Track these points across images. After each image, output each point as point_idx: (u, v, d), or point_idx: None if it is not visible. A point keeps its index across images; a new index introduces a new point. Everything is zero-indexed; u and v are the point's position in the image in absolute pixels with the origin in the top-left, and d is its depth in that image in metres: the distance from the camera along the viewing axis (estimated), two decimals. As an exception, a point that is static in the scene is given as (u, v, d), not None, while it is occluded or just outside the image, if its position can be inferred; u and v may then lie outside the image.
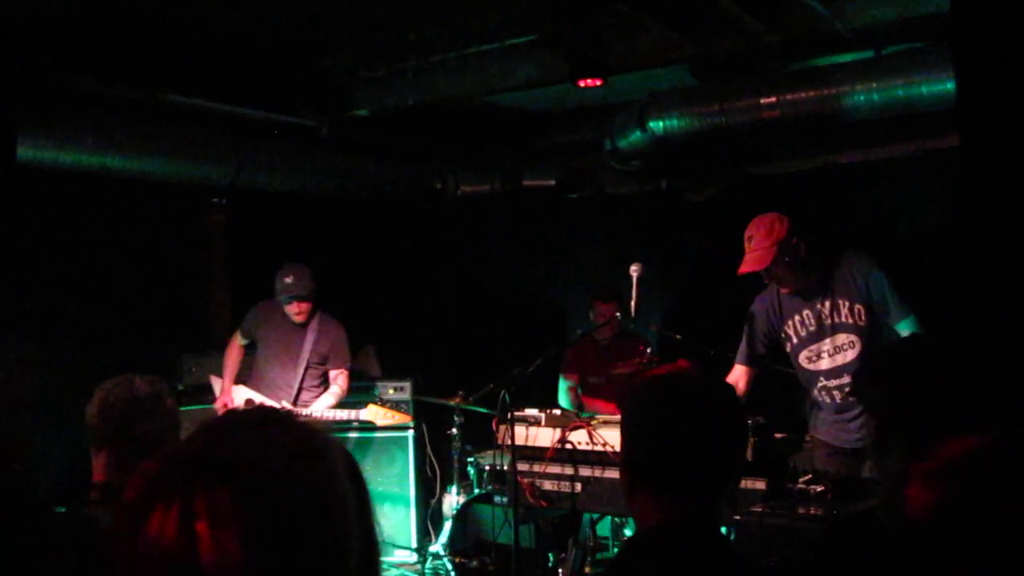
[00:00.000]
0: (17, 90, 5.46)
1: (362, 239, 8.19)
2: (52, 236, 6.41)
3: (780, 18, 5.48)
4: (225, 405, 6.11)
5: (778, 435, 3.82)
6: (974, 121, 3.87)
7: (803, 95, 6.10)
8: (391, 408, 6.23)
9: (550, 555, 5.13)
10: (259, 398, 6.10)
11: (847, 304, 4.44)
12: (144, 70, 5.81)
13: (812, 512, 3.30)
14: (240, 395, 6.18)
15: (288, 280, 6.02)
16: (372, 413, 6.10)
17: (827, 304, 4.46)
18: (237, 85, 6.25)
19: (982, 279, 3.91)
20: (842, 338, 4.47)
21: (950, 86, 5.48)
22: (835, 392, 4.47)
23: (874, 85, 5.87)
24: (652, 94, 6.62)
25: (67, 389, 6.27)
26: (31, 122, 5.58)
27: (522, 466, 4.17)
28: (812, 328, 4.51)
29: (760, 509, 3.35)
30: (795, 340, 4.56)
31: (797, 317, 4.54)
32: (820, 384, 4.51)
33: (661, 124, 6.67)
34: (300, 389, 6.18)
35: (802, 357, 4.54)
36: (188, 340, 6.94)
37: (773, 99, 6.17)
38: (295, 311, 6.06)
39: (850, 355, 4.45)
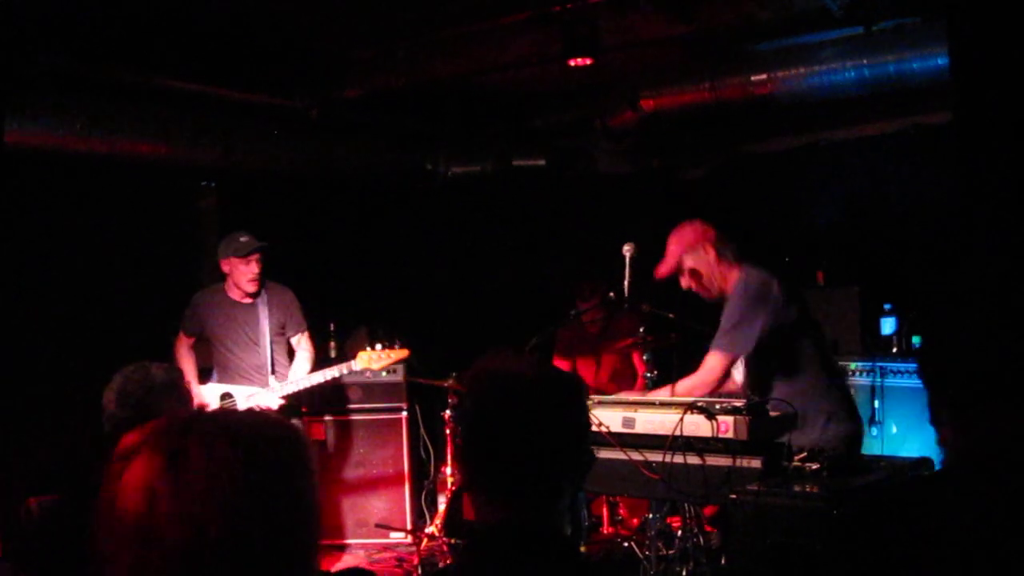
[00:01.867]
0: (4, 73, 5.41)
1: (353, 221, 8.16)
2: (40, 220, 6.38)
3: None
4: (202, 408, 5.87)
5: (773, 413, 3.82)
6: (968, 96, 3.88)
7: (794, 72, 6.09)
8: (383, 349, 5.80)
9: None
10: (235, 389, 5.86)
11: None
12: (133, 52, 5.76)
13: (808, 490, 3.30)
14: (213, 392, 5.92)
15: (244, 238, 5.75)
16: (364, 360, 5.77)
17: None
18: (226, 67, 6.21)
19: (975, 254, 3.92)
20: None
21: (941, 62, 5.47)
22: None
23: (865, 61, 5.86)
24: (643, 72, 6.60)
25: (57, 374, 6.28)
26: (18, 105, 5.54)
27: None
28: None
29: (756, 488, 3.35)
30: None
31: None
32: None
33: (652, 102, 6.66)
34: (273, 369, 5.94)
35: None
36: (178, 324, 6.92)
37: (764, 76, 6.17)
38: (255, 270, 5.76)
39: (739, 376, 4.34)
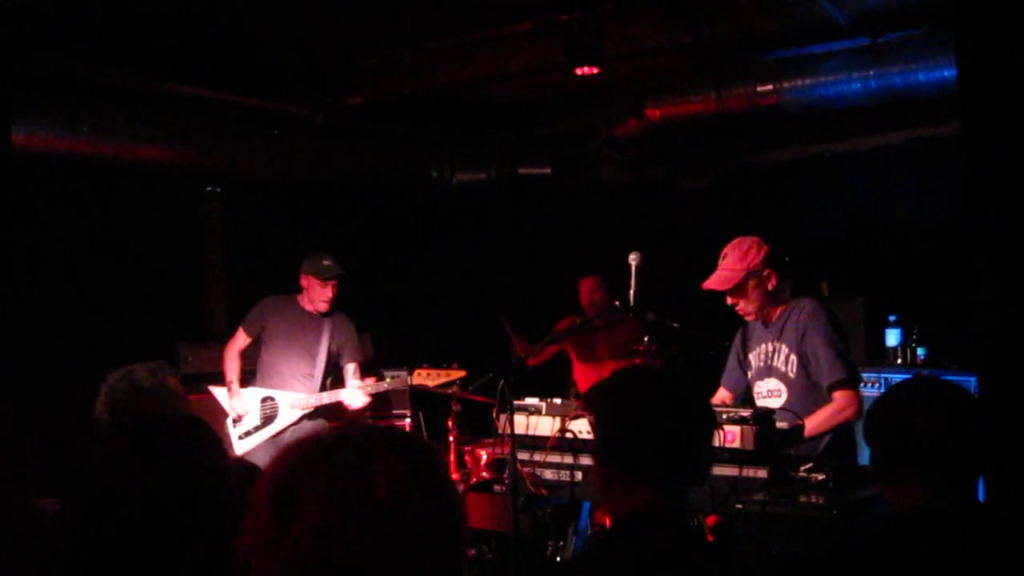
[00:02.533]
0: (12, 77, 5.43)
1: (358, 227, 8.17)
2: (47, 223, 6.39)
3: (777, 6, 5.47)
4: (239, 417, 5.87)
5: (780, 424, 3.81)
6: (975, 108, 3.87)
7: (800, 82, 6.10)
8: (434, 368, 6.03)
9: (549, 543, 5.14)
10: (278, 394, 5.90)
11: (786, 351, 4.24)
12: (140, 57, 5.79)
13: (814, 500, 3.30)
14: (254, 396, 5.93)
15: (327, 262, 5.92)
16: (421, 377, 5.96)
17: (774, 345, 4.29)
18: (233, 73, 6.23)
19: (982, 267, 3.91)
20: (772, 383, 4.30)
21: (947, 73, 5.48)
22: None
23: (871, 73, 5.87)
24: (649, 81, 6.61)
25: (60, 377, 6.28)
26: (27, 109, 5.56)
27: (522, 455, 4.16)
28: (761, 364, 4.35)
29: (762, 498, 3.35)
30: (752, 370, 4.46)
31: (757, 349, 4.39)
32: None
33: (658, 112, 6.67)
34: (323, 382, 6.02)
35: (754, 389, 4.46)
36: (184, 329, 6.92)
37: (770, 87, 6.18)
38: (330, 295, 5.91)
39: (776, 403, 4.23)
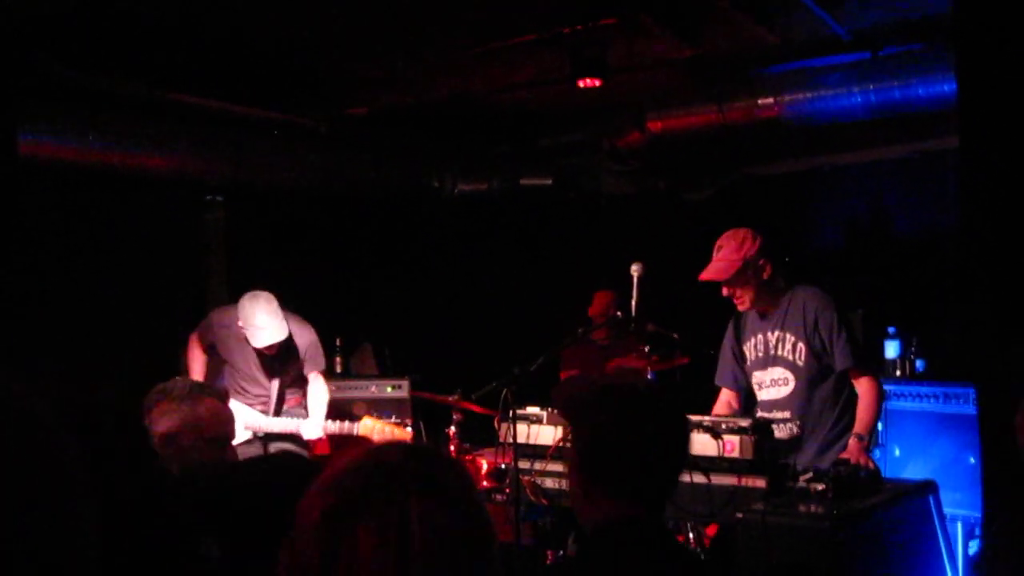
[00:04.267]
0: (18, 87, 5.47)
1: (359, 237, 8.20)
2: (51, 232, 6.42)
3: (778, 20, 5.51)
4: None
5: (778, 434, 3.84)
6: (974, 122, 3.91)
7: (800, 96, 6.14)
8: (387, 422, 5.73)
9: (549, 552, 5.15)
10: (241, 409, 5.61)
11: (792, 339, 4.31)
12: (145, 68, 5.83)
13: (813, 510, 3.33)
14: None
15: (259, 325, 5.35)
16: (367, 428, 5.63)
17: (776, 334, 4.35)
18: (237, 83, 6.27)
19: (980, 280, 3.94)
20: (778, 372, 4.36)
21: (947, 88, 5.51)
22: None
23: (871, 87, 5.91)
24: (651, 94, 6.66)
25: (64, 384, 6.29)
26: (32, 119, 5.60)
27: (523, 464, 4.19)
28: (760, 355, 4.42)
29: (761, 507, 3.38)
30: (748, 362, 4.50)
31: (752, 340, 4.45)
32: (758, 412, 4.44)
33: (660, 124, 6.71)
34: (280, 398, 5.77)
35: (753, 380, 4.51)
36: (187, 337, 6.94)
37: (771, 100, 6.22)
38: (269, 352, 5.51)
39: (783, 392, 4.33)
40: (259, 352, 5.58)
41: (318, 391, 5.84)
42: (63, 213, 6.46)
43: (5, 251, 5.86)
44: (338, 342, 7.47)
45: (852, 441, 4.04)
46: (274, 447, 5.73)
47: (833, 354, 4.22)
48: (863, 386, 4.22)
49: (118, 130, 6.02)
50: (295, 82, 6.52)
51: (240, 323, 5.45)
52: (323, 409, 5.81)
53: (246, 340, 5.50)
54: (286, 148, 6.99)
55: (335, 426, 5.69)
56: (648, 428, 2.14)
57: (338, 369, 7.40)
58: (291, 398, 5.94)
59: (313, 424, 5.70)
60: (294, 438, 5.78)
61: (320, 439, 6.16)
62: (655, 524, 2.14)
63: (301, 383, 5.90)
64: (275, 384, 5.74)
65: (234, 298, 5.87)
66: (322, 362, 5.90)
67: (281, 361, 5.68)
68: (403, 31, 5.76)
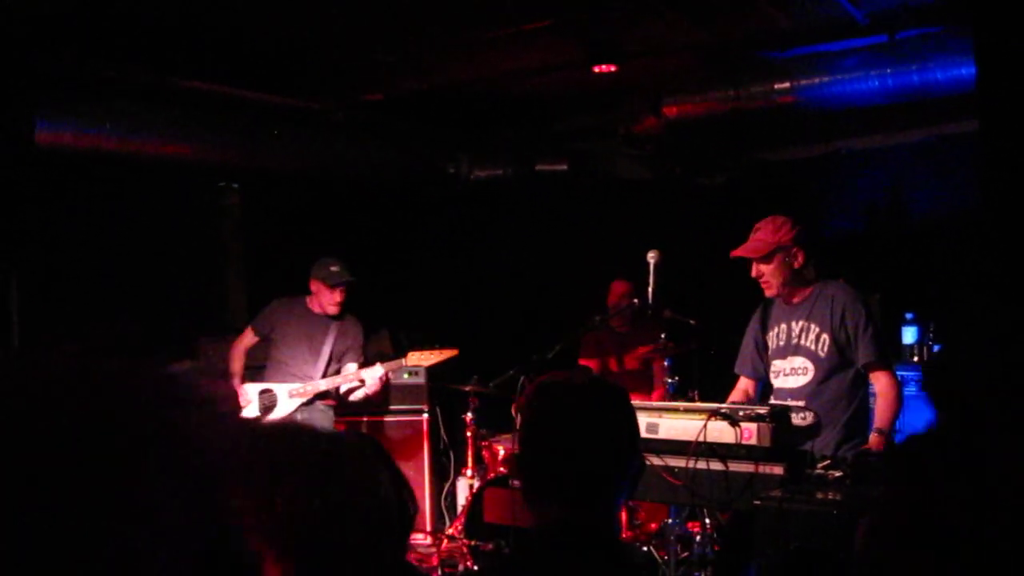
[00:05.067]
0: (36, 76, 5.49)
1: (375, 223, 8.21)
2: (69, 220, 6.45)
3: (793, 3, 5.48)
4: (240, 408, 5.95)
5: (796, 421, 3.84)
6: (993, 106, 3.89)
7: (817, 80, 6.10)
8: (427, 349, 6.19)
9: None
10: (277, 386, 6.02)
11: (816, 330, 4.32)
12: (160, 56, 5.84)
13: (831, 497, 3.33)
14: (254, 390, 6.04)
15: (335, 268, 6.01)
16: (415, 358, 6.11)
17: (800, 324, 4.37)
18: (252, 70, 6.27)
19: (998, 266, 3.93)
20: (799, 361, 4.37)
21: (965, 71, 5.48)
22: None
23: (888, 71, 5.87)
24: (666, 79, 6.63)
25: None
26: (49, 107, 5.63)
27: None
28: (782, 343, 4.43)
29: (779, 494, 3.38)
30: (770, 350, 4.53)
31: (776, 329, 4.47)
32: (774, 400, 4.45)
33: (675, 109, 6.69)
34: (325, 375, 6.11)
35: (771, 368, 4.52)
36: (204, 323, 6.98)
37: (787, 84, 6.18)
38: (339, 299, 6.03)
39: (801, 381, 4.34)
40: (317, 331, 6.07)
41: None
42: (81, 202, 6.48)
43: (21, 240, 5.90)
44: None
45: (873, 436, 4.06)
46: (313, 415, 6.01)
47: (857, 348, 4.23)
48: (883, 381, 4.24)
49: (134, 118, 6.04)
50: (310, 68, 6.51)
51: (312, 286, 6.07)
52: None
53: (305, 320, 6.08)
54: (302, 135, 7.00)
55: (385, 366, 6.09)
56: (563, 427, 1.95)
57: (355, 355, 7.44)
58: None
59: (369, 371, 6.05)
60: (327, 412, 6.13)
61: (336, 426, 6.23)
62: (591, 529, 1.93)
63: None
64: (321, 366, 6.08)
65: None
66: (361, 358, 6.24)
67: (334, 345, 6.09)
68: (418, 16, 5.75)
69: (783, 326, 4.45)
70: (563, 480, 1.93)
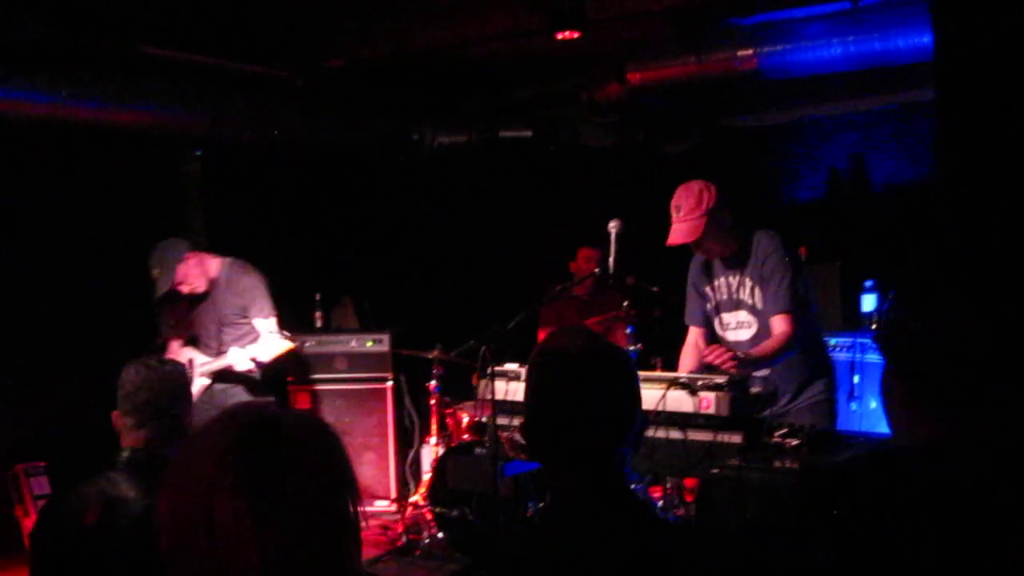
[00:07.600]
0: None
1: (338, 191, 8.16)
2: (26, 189, 6.37)
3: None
4: None
5: (754, 390, 3.87)
6: (951, 74, 3.90)
7: (780, 47, 6.10)
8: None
9: (529, 504, 5.21)
10: (198, 357, 5.67)
11: (749, 284, 4.33)
12: (119, 22, 5.74)
13: (788, 465, 3.36)
14: (184, 356, 5.65)
15: (155, 271, 5.51)
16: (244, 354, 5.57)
17: (738, 278, 4.37)
18: (212, 36, 6.19)
19: (956, 232, 3.95)
20: (742, 315, 4.38)
21: (927, 39, 5.49)
22: None
23: (851, 38, 5.88)
24: (630, 45, 6.61)
25: (43, 342, 6.29)
26: (5, 76, 5.53)
27: (502, 419, 4.22)
28: (724, 297, 4.44)
29: (736, 463, 3.41)
30: (712, 303, 4.52)
31: (717, 281, 4.44)
32: None
33: (638, 76, 6.67)
34: (222, 347, 5.69)
35: (715, 322, 4.53)
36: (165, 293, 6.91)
37: (750, 51, 6.18)
38: (179, 279, 5.56)
39: (743, 335, 4.36)
40: (202, 301, 5.65)
41: (266, 337, 5.63)
42: (38, 170, 6.40)
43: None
44: (318, 296, 7.47)
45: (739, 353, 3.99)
46: (226, 393, 5.67)
47: (765, 296, 4.23)
48: (781, 328, 4.17)
49: (90, 85, 5.95)
50: (270, 34, 6.43)
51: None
52: (259, 348, 5.61)
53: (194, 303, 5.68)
54: (263, 102, 6.92)
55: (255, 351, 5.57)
56: (566, 400, 1.94)
57: (318, 323, 7.40)
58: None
59: (239, 354, 5.55)
60: (247, 382, 5.71)
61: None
62: (606, 487, 1.93)
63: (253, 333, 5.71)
64: (215, 329, 5.68)
65: (213, 251, 5.84)
66: (268, 308, 5.64)
67: (225, 304, 5.65)
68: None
69: (722, 280, 4.46)
70: (571, 452, 1.93)
